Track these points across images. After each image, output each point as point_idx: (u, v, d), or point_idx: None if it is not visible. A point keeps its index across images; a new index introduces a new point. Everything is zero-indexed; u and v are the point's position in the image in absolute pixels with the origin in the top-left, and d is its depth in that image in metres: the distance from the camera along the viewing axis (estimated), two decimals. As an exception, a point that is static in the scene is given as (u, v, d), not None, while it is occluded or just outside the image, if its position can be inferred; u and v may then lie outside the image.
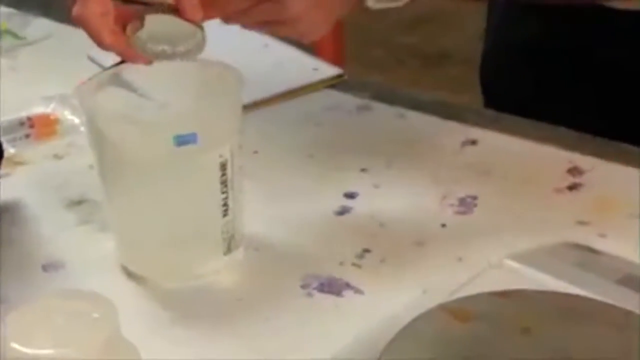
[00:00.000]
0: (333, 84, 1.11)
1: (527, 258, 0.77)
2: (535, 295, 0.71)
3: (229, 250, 0.81)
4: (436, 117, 1.04)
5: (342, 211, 0.89)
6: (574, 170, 0.92)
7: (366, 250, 0.83)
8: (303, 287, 0.80)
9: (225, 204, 0.79)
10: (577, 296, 0.70)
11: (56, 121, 1.05)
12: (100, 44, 0.77)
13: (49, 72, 1.17)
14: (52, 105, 1.06)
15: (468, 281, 0.76)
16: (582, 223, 0.85)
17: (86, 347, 0.57)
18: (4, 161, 0.91)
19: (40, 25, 1.30)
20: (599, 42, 1.10)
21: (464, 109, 1.06)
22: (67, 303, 0.60)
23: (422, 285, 0.78)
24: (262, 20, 0.86)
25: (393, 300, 0.77)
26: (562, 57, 1.13)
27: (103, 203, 0.84)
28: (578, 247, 0.80)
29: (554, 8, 1.08)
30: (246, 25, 0.89)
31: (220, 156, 0.77)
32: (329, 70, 1.14)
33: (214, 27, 0.83)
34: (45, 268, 0.83)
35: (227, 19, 0.85)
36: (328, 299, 0.78)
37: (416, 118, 1.04)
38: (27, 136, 1.02)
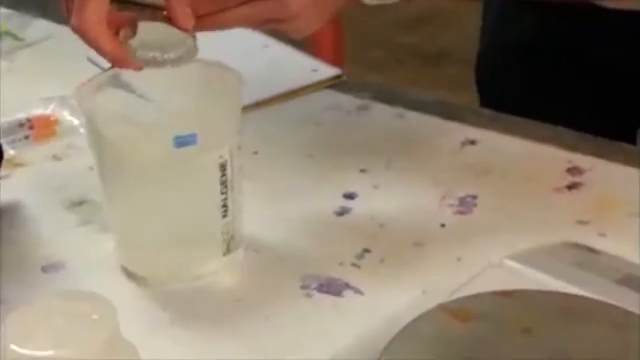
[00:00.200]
0: (332, 84, 1.11)
1: (526, 258, 0.77)
2: (535, 295, 0.71)
3: (228, 250, 0.81)
4: (435, 117, 1.04)
5: (342, 212, 0.89)
6: (574, 170, 0.92)
7: (366, 251, 0.83)
8: (303, 287, 0.80)
9: (224, 205, 0.79)
10: (577, 296, 0.71)
11: (56, 122, 1.05)
12: (100, 51, 0.77)
13: (49, 74, 1.17)
14: (51, 107, 1.06)
15: (468, 281, 0.76)
16: (581, 222, 0.85)
17: (86, 348, 0.57)
18: (3, 163, 0.91)
19: (39, 27, 1.30)
20: (594, 40, 1.10)
21: (463, 109, 1.06)
22: (67, 304, 0.60)
23: (421, 286, 0.78)
24: (261, 19, 0.87)
25: (393, 300, 0.77)
26: (557, 56, 1.14)
27: (103, 204, 0.84)
28: (578, 246, 0.80)
29: (549, 6, 1.08)
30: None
31: (220, 157, 0.77)
32: (328, 70, 1.14)
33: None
34: (45, 269, 0.83)
35: (224, 19, 0.85)
36: (328, 300, 0.78)
37: (415, 118, 1.04)
38: (27, 137, 1.02)
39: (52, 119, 1.05)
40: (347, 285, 0.79)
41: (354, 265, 0.82)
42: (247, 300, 0.79)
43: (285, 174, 0.95)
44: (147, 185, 0.78)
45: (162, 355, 0.71)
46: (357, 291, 0.79)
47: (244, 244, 0.83)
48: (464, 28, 1.54)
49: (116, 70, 0.79)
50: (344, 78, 1.12)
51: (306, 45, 1.13)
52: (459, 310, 0.69)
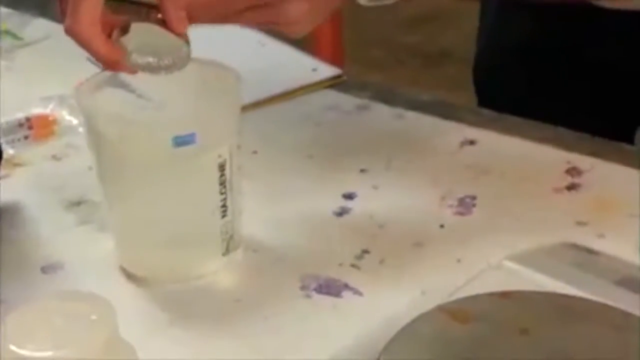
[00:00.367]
0: (332, 84, 1.11)
1: (526, 259, 0.77)
2: (534, 296, 0.71)
3: (227, 251, 0.81)
4: (435, 117, 1.04)
5: (341, 212, 0.89)
6: (573, 171, 0.92)
7: (365, 251, 0.83)
8: (302, 288, 0.80)
9: (224, 205, 0.79)
10: (575, 297, 0.70)
11: (55, 122, 1.04)
12: (93, 53, 0.77)
13: (48, 73, 1.17)
14: (50, 106, 1.06)
15: (467, 282, 0.76)
16: (581, 223, 0.85)
17: (84, 348, 0.57)
18: (3, 162, 0.91)
19: (38, 26, 1.30)
20: (592, 41, 1.10)
21: (462, 109, 1.06)
22: (66, 304, 0.60)
23: (421, 286, 0.78)
24: (258, 22, 0.87)
25: (392, 301, 0.77)
26: (555, 57, 1.14)
27: (102, 204, 0.84)
28: (577, 247, 0.80)
29: (546, 7, 1.08)
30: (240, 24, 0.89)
31: (219, 156, 0.77)
32: (328, 70, 1.14)
33: (212, 27, 0.83)
34: (44, 269, 0.83)
35: (223, 21, 0.85)
36: (327, 300, 0.78)
37: (415, 118, 1.04)
38: (26, 137, 1.02)
39: (51, 118, 1.05)
40: (347, 286, 0.79)
41: (353, 265, 0.82)
42: (246, 300, 0.79)
43: (284, 174, 0.95)
44: (146, 185, 0.78)
45: (161, 356, 0.71)
46: (356, 292, 0.79)
47: (243, 244, 0.83)
48: (465, 28, 1.54)
49: (114, 70, 0.79)
50: (344, 78, 1.12)
51: (306, 44, 1.13)
52: (458, 311, 0.69)
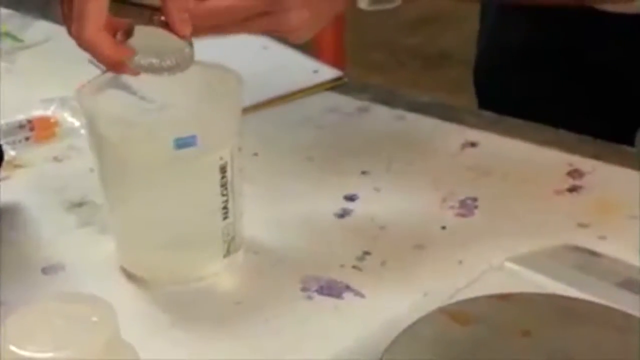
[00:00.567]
0: (333, 86, 1.11)
1: (527, 261, 0.77)
2: (536, 298, 0.71)
3: (228, 252, 0.81)
4: (436, 119, 1.04)
5: (343, 214, 0.89)
6: (574, 173, 0.92)
7: (366, 253, 0.83)
8: (303, 289, 0.80)
9: (225, 207, 0.79)
10: (577, 299, 0.70)
11: (56, 124, 1.04)
12: (100, 58, 0.77)
13: (49, 75, 1.17)
14: (52, 108, 1.06)
15: (468, 284, 0.76)
16: (582, 225, 0.85)
17: (85, 350, 0.57)
18: (4, 164, 0.91)
19: (39, 28, 1.30)
20: (591, 43, 1.10)
21: (463, 111, 1.06)
22: (67, 306, 0.60)
23: (422, 288, 0.78)
24: (260, 31, 0.87)
25: (393, 303, 0.77)
26: (555, 59, 1.14)
27: (103, 205, 0.84)
28: (578, 249, 0.80)
29: (546, 10, 1.08)
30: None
31: (220, 159, 0.77)
32: (329, 72, 1.14)
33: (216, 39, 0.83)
34: (45, 271, 0.83)
35: (224, 32, 0.85)
36: (328, 302, 0.78)
37: (416, 120, 1.04)
38: (27, 139, 1.02)
39: (52, 120, 1.05)
40: (348, 288, 0.79)
41: (354, 267, 0.82)
42: (247, 302, 0.79)
43: (285, 176, 0.95)
44: (148, 187, 0.78)
45: (161, 357, 0.71)
46: (358, 293, 0.79)
47: (244, 246, 0.83)
48: (465, 30, 1.54)
49: (116, 72, 0.79)
50: (345, 80, 1.12)
51: (307, 46, 1.13)
52: (459, 313, 0.69)
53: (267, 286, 0.81)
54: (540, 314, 0.69)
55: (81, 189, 0.93)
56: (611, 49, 1.10)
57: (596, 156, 0.94)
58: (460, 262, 0.81)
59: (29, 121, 1.04)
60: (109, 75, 0.80)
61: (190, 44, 0.79)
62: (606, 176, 0.92)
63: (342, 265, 0.82)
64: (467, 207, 0.89)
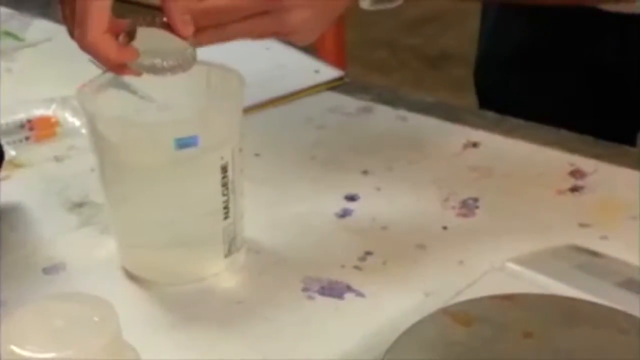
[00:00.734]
0: (334, 86, 1.11)
1: (529, 261, 0.77)
2: (537, 298, 0.71)
3: (229, 252, 0.81)
4: (438, 119, 1.04)
5: (344, 214, 0.89)
6: (576, 173, 0.92)
7: (368, 253, 0.83)
8: (304, 289, 0.79)
9: (226, 207, 0.79)
10: (579, 300, 0.70)
11: (57, 123, 1.04)
12: (104, 61, 0.77)
13: (50, 74, 1.17)
14: (52, 108, 1.06)
15: (470, 284, 0.75)
16: (584, 225, 0.85)
17: (87, 351, 0.56)
18: (4, 164, 0.90)
19: (40, 27, 1.30)
20: (592, 44, 1.10)
21: (465, 111, 1.06)
22: (68, 306, 0.60)
23: (423, 289, 0.78)
24: (262, 33, 0.86)
25: (395, 303, 0.77)
26: (555, 60, 1.14)
27: (104, 205, 0.84)
28: (580, 250, 0.80)
29: (547, 10, 1.08)
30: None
31: (221, 159, 0.77)
32: (330, 72, 1.14)
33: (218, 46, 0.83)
34: (46, 271, 0.83)
35: (225, 32, 0.84)
36: (329, 302, 0.78)
37: (417, 120, 1.04)
38: (28, 138, 1.02)
39: (53, 120, 1.05)
40: (349, 288, 0.79)
41: (355, 267, 0.82)
42: (248, 302, 0.79)
43: (286, 176, 0.95)
44: (148, 187, 0.78)
45: (163, 358, 0.71)
46: (359, 294, 0.79)
47: (245, 246, 0.83)
48: (467, 29, 1.54)
49: (117, 72, 0.79)
50: (347, 80, 1.12)
51: (308, 46, 1.13)
52: (461, 314, 0.69)
53: (268, 286, 0.80)
54: (542, 314, 0.69)
55: (82, 189, 0.93)
56: (612, 50, 1.10)
57: (598, 156, 0.94)
58: (462, 262, 0.81)
59: (30, 121, 1.04)
60: (110, 75, 0.80)
61: (193, 45, 0.79)
62: (608, 176, 0.92)
63: (343, 266, 0.82)
64: (469, 207, 0.89)
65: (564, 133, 0.99)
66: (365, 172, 0.95)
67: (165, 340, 0.75)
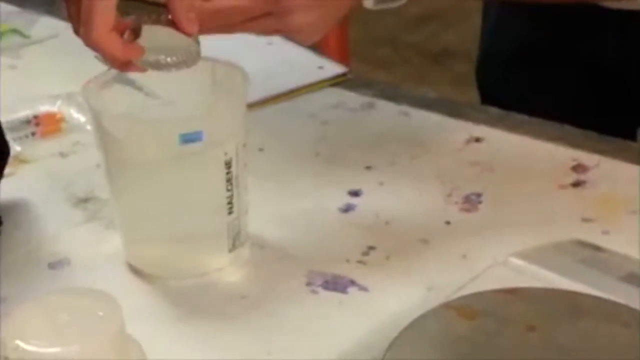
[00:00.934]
0: (338, 82, 1.11)
1: (531, 255, 0.77)
2: (540, 292, 0.71)
3: (234, 247, 0.81)
4: (441, 115, 1.04)
5: (347, 208, 0.89)
6: (579, 168, 0.93)
7: (371, 248, 0.84)
8: (308, 284, 0.80)
9: (230, 202, 0.79)
10: (582, 294, 0.71)
11: (62, 119, 1.05)
12: (110, 59, 0.77)
13: (55, 71, 1.17)
14: (58, 104, 1.06)
15: (473, 279, 0.76)
16: (586, 220, 0.85)
17: (91, 345, 0.57)
18: (9, 159, 0.91)
19: (46, 24, 1.30)
20: (593, 40, 1.10)
21: (468, 106, 1.06)
22: (72, 301, 0.60)
23: (427, 283, 0.78)
24: (264, 31, 0.87)
25: (398, 297, 0.77)
26: (557, 57, 1.14)
27: (109, 201, 0.84)
28: (582, 244, 0.80)
29: (548, 7, 1.08)
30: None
31: (225, 154, 0.78)
32: (333, 68, 1.14)
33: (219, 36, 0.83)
34: (51, 265, 0.84)
35: (229, 31, 0.85)
36: (333, 296, 0.78)
37: (420, 116, 1.04)
38: (33, 134, 1.03)
39: (58, 116, 1.05)
40: (353, 282, 0.80)
41: (359, 262, 0.82)
42: (252, 296, 0.79)
43: (290, 171, 0.95)
44: (153, 182, 0.78)
45: (167, 352, 0.71)
46: (363, 288, 0.79)
47: (249, 241, 0.83)
48: (470, 26, 1.54)
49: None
50: (350, 76, 1.12)
51: (312, 44, 1.13)
52: (464, 308, 0.69)
53: (272, 281, 0.81)
54: (545, 308, 0.69)
55: (87, 184, 0.94)
56: (613, 46, 1.10)
57: (600, 151, 0.94)
58: (465, 256, 0.81)
59: (35, 117, 1.04)
60: (115, 71, 0.80)
61: (197, 41, 0.79)
62: (610, 171, 0.92)
63: (347, 260, 0.82)
64: (472, 202, 0.89)
65: (567, 128, 0.99)
66: (368, 168, 0.95)
67: (169, 334, 0.75)
